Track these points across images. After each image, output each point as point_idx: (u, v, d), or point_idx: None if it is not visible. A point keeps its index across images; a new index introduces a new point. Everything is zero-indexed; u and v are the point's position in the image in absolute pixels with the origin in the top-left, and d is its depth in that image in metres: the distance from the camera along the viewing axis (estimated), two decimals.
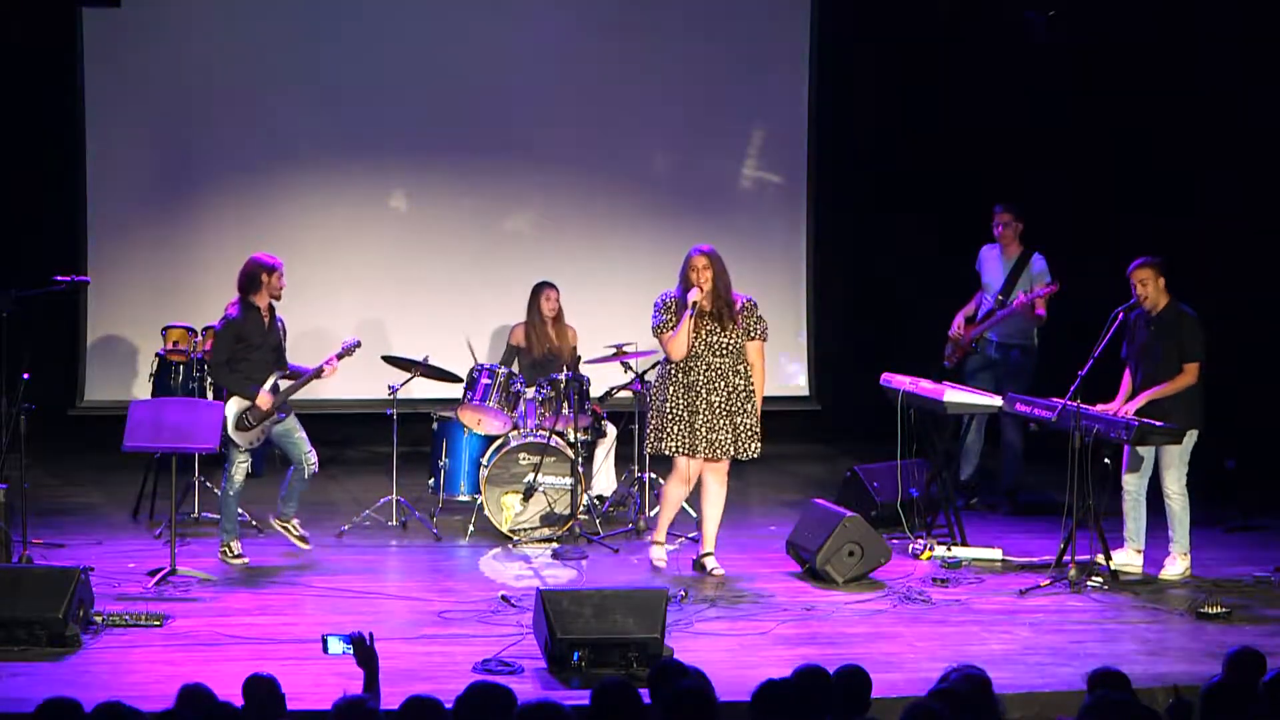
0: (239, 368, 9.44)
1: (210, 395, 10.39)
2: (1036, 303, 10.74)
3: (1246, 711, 5.34)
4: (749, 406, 9.16)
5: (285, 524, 9.63)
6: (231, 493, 9.49)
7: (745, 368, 9.16)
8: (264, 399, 9.41)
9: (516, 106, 13.00)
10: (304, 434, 9.61)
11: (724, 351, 9.12)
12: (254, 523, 10.11)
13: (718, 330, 9.12)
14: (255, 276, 9.48)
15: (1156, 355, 9.22)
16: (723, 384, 9.12)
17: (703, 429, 9.10)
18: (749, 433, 9.16)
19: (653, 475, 10.36)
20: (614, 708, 5.24)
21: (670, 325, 9.10)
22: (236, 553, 9.43)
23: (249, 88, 12.77)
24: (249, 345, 9.46)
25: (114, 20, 12.43)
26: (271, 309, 9.57)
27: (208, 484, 10.35)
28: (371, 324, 12.81)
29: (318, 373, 9.64)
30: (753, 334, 9.17)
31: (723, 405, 9.11)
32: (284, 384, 9.56)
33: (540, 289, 11.05)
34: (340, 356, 9.72)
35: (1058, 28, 12.30)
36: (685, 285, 9.11)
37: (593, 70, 13.13)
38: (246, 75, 12.77)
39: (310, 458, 9.58)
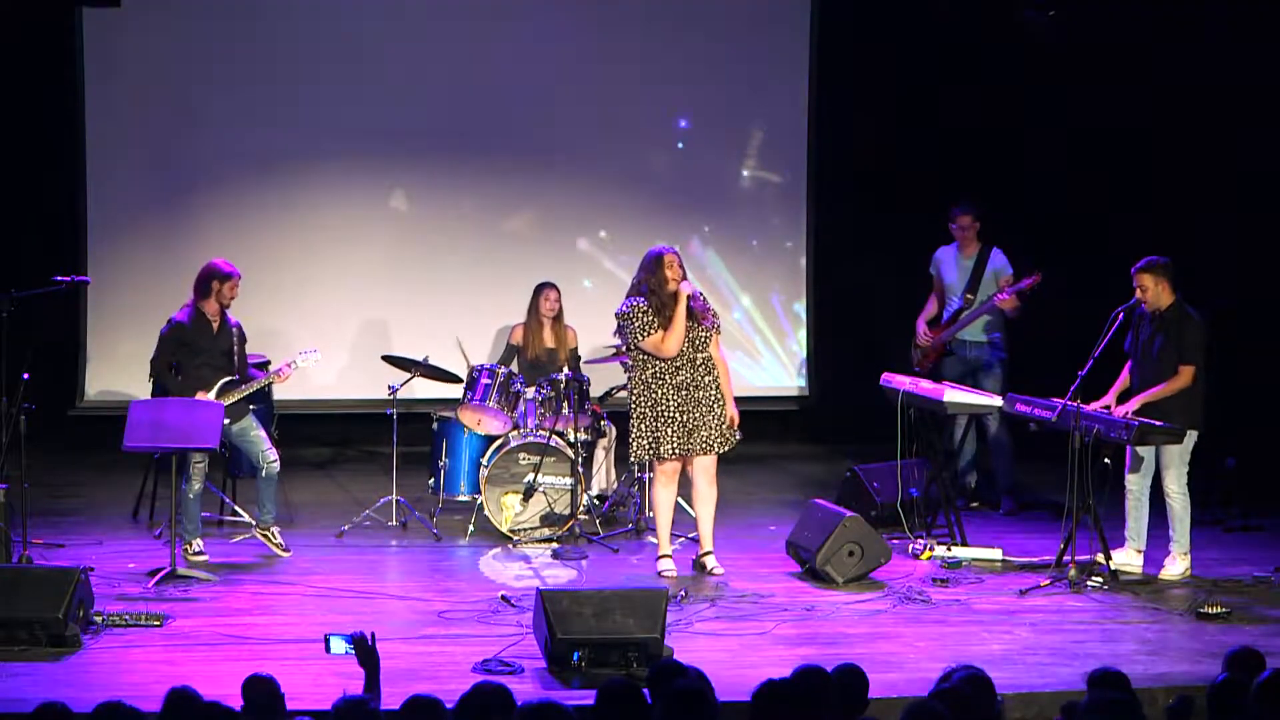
0: (186, 373, 9.43)
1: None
2: (1013, 296, 10.77)
3: (1247, 712, 5.34)
4: (722, 400, 9.20)
5: (265, 531, 9.63)
6: (191, 495, 9.50)
7: (712, 361, 9.20)
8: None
9: (517, 106, 13.00)
10: (262, 433, 9.64)
11: (702, 346, 9.17)
12: (256, 524, 10.12)
13: (694, 326, 9.15)
14: (207, 282, 9.51)
15: (1155, 353, 9.21)
16: (707, 379, 9.14)
17: (695, 426, 9.10)
18: (729, 424, 9.19)
19: (652, 475, 10.34)
20: (619, 708, 5.24)
21: (654, 327, 9.06)
22: (197, 550, 9.43)
23: (249, 88, 12.77)
24: (192, 350, 9.45)
25: (114, 20, 12.43)
26: (223, 314, 9.55)
27: (209, 484, 10.34)
28: (371, 324, 12.83)
29: (271, 379, 9.66)
30: (715, 328, 9.22)
31: (709, 400, 9.12)
32: (232, 392, 9.53)
33: (541, 289, 11.04)
34: (292, 364, 9.74)
35: (1058, 27, 12.31)
36: (657, 284, 9.08)
37: (593, 70, 13.13)
38: (246, 75, 12.76)
39: (270, 455, 9.59)
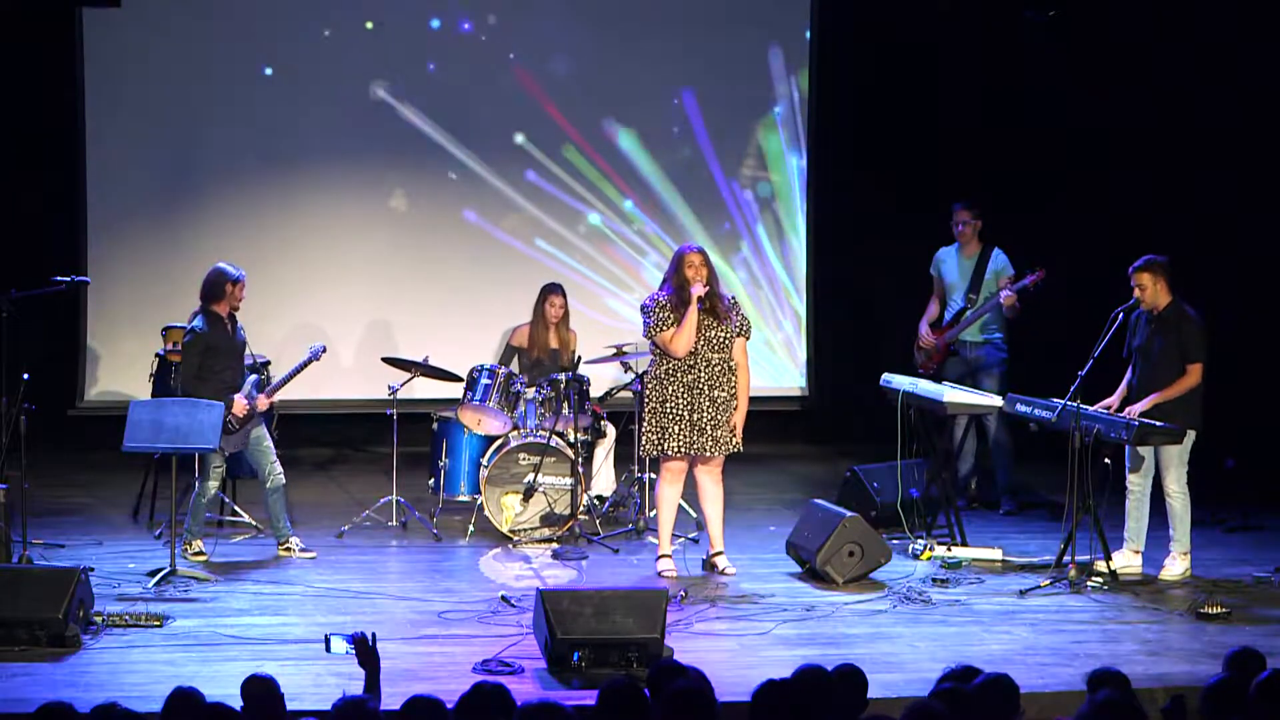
0: (209, 378, 9.41)
1: None
2: (1014, 294, 10.77)
3: (1245, 712, 5.34)
4: (735, 402, 9.19)
5: (285, 545, 9.61)
6: (204, 500, 9.51)
7: (733, 364, 9.19)
8: (239, 405, 9.39)
9: (516, 106, 13.00)
10: (271, 443, 9.62)
11: (721, 347, 9.15)
12: (256, 524, 10.12)
13: (714, 326, 9.14)
14: (219, 286, 9.48)
15: (1155, 354, 9.21)
16: (723, 380, 9.14)
17: (706, 426, 9.10)
18: (731, 428, 9.19)
19: (652, 476, 10.33)
20: (620, 708, 5.24)
21: (669, 324, 9.08)
22: (197, 550, 9.43)
23: (249, 87, 12.78)
24: (217, 354, 9.44)
25: (114, 20, 12.44)
26: (233, 318, 9.55)
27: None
28: (372, 324, 12.83)
29: (288, 379, 9.66)
30: (740, 331, 9.21)
31: (723, 401, 9.12)
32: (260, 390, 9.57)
33: (546, 292, 10.96)
34: (307, 364, 9.74)
35: (1057, 27, 12.32)
36: (679, 283, 9.10)
37: (593, 69, 13.14)
38: (247, 75, 12.77)
39: (277, 466, 9.58)
